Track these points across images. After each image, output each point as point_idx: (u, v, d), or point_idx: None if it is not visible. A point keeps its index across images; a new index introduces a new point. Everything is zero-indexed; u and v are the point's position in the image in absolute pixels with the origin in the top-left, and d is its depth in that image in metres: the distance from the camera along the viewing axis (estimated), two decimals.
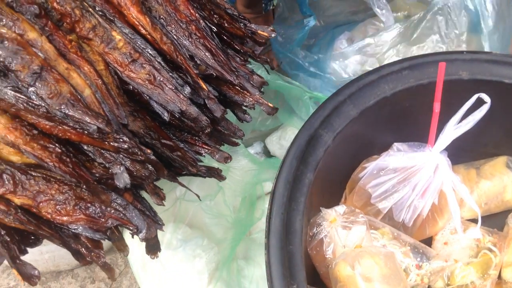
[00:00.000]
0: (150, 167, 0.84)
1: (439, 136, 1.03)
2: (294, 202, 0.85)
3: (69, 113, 0.78)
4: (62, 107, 0.78)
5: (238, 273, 1.50)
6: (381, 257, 0.81)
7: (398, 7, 2.15)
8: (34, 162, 0.82)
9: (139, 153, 0.80)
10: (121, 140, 0.80)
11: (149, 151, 0.82)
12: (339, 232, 0.89)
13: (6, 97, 0.79)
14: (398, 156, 1.05)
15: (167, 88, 0.92)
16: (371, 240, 0.91)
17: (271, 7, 1.65)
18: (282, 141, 1.86)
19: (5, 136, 0.79)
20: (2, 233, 0.79)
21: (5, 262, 0.77)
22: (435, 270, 0.99)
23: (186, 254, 1.41)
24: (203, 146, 0.97)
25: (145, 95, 0.92)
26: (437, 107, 1.00)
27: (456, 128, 1.00)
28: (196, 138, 0.98)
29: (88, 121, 0.78)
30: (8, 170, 0.79)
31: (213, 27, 1.08)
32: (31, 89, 0.79)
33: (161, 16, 1.00)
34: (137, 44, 0.93)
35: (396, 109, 1.05)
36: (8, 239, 0.78)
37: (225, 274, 1.45)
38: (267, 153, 1.89)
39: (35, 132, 0.81)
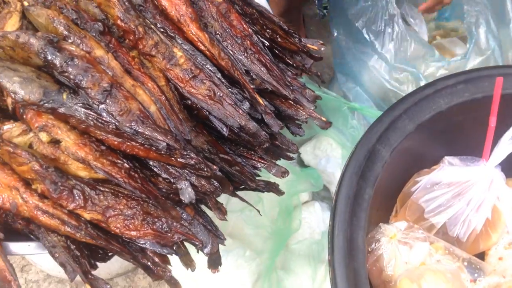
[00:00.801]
0: (215, 182, 0.84)
1: (494, 150, 1.03)
2: (355, 218, 0.86)
3: (139, 130, 0.80)
4: (133, 124, 0.80)
5: (278, 284, 1.50)
6: (448, 275, 0.81)
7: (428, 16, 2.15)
8: (101, 177, 0.84)
9: (205, 169, 0.81)
10: (188, 156, 0.81)
11: (215, 167, 0.83)
12: (400, 249, 0.89)
13: (76, 114, 0.81)
14: (451, 170, 1.05)
15: (226, 103, 0.93)
16: (430, 255, 0.91)
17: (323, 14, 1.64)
18: (316, 151, 1.86)
19: (75, 152, 0.81)
20: (73, 247, 0.80)
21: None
22: (491, 285, 0.99)
23: (228, 265, 1.41)
24: (259, 160, 0.98)
25: (205, 110, 0.93)
26: (493, 121, 0.99)
27: (511, 142, 1.00)
28: (252, 152, 0.99)
29: (158, 138, 0.79)
30: (78, 185, 0.80)
31: (265, 41, 1.09)
32: (101, 106, 0.80)
33: (217, 32, 1.02)
34: (198, 60, 0.94)
35: (450, 123, 1.05)
36: (79, 254, 0.80)
37: (267, 285, 1.45)
38: (300, 162, 1.90)
39: (103, 148, 0.83)
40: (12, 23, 0.93)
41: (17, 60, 0.84)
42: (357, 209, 0.87)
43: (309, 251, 1.59)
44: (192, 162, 0.81)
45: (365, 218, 0.88)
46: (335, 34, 1.84)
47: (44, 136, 0.81)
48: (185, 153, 0.81)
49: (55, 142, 0.83)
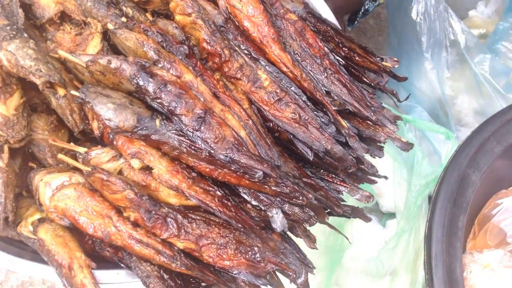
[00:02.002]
0: (310, 211, 0.82)
1: None
2: (452, 248, 0.83)
3: (235, 158, 0.78)
4: (228, 152, 0.78)
5: None
6: None
7: (475, 25, 2.10)
8: (191, 204, 0.82)
9: (300, 197, 0.79)
10: (283, 184, 0.78)
11: (310, 195, 0.80)
12: (494, 279, 0.86)
13: (170, 140, 0.79)
14: None
15: (311, 126, 0.91)
16: None
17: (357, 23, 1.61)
18: None
19: (168, 180, 0.79)
20: (166, 277, 0.78)
21: None
22: None
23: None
24: (342, 184, 0.95)
25: (289, 134, 0.91)
26: None
27: None
28: (333, 175, 0.96)
29: (255, 166, 0.77)
30: (171, 213, 0.79)
31: (340, 60, 1.07)
32: (196, 133, 0.78)
33: (296, 52, 1.00)
34: (282, 83, 0.92)
35: None
36: (173, 284, 0.78)
37: None
38: None
39: (194, 174, 0.81)
40: (94, 45, 0.92)
41: (106, 85, 0.83)
42: (453, 239, 0.84)
43: (366, 268, 1.55)
44: (287, 191, 0.79)
45: (460, 247, 0.85)
46: (391, 35, 1.80)
47: (136, 163, 0.80)
48: (280, 181, 0.78)
49: (146, 169, 0.81)
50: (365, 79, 1.07)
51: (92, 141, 0.92)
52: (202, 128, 0.78)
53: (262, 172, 0.77)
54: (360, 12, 1.52)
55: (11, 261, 0.84)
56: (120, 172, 0.83)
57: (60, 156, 0.80)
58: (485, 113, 1.82)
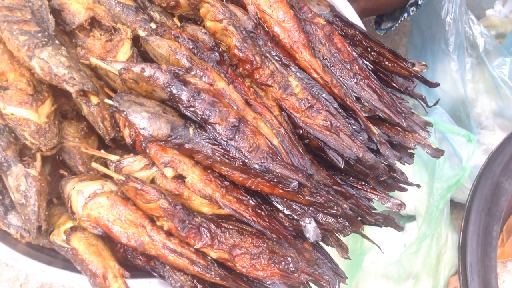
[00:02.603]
0: (344, 221, 0.81)
1: None
2: (487, 259, 0.81)
3: (270, 168, 0.77)
4: (262, 161, 0.77)
5: None
6: None
7: (492, 24, 2.07)
8: (224, 213, 0.81)
9: (335, 207, 0.78)
10: (318, 194, 0.78)
11: (345, 205, 0.79)
12: None
13: (203, 149, 0.78)
14: None
15: (343, 134, 0.90)
16: None
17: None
18: None
19: (202, 189, 0.78)
20: (200, 287, 0.78)
21: None
22: None
23: None
24: (372, 191, 0.94)
25: (320, 141, 0.90)
26: None
27: None
28: (363, 183, 0.95)
29: (290, 176, 0.76)
30: (204, 223, 0.78)
31: (369, 64, 1.05)
32: (230, 142, 0.78)
33: (325, 57, 0.98)
34: (313, 90, 0.91)
35: None
36: None
37: None
38: None
39: (226, 183, 0.80)
40: (124, 51, 0.91)
41: (139, 93, 0.83)
42: (488, 248, 0.83)
43: (387, 272, 1.55)
44: (322, 200, 0.78)
45: (495, 257, 0.83)
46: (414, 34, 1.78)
47: (169, 172, 0.79)
48: (314, 191, 0.78)
49: (179, 178, 0.81)
50: (394, 84, 1.05)
51: (122, 148, 0.92)
52: (236, 137, 0.78)
53: (297, 182, 0.76)
54: (407, 13, 1.48)
55: (43, 270, 0.84)
56: (152, 181, 0.82)
57: (94, 164, 0.80)
58: (503, 115, 1.80)
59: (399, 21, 1.49)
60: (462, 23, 1.66)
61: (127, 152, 0.92)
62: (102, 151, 0.88)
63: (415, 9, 1.42)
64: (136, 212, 0.79)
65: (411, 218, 1.84)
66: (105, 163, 0.88)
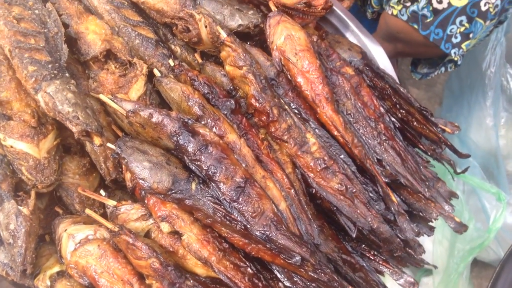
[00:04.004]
0: None
1: None
2: None
3: (272, 237, 0.71)
4: (265, 229, 0.71)
5: None
6: None
7: None
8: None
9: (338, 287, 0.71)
10: (321, 271, 0.71)
11: (350, 287, 0.72)
12: None
13: (204, 208, 0.73)
14: None
15: (358, 201, 0.83)
16: None
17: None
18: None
19: (198, 250, 0.73)
20: None
21: None
22: None
23: None
24: (384, 264, 0.87)
25: (332, 206, 0.83)
26: None
27: None
28: (376, 253, 0.87)
29: (292, 249, 0.70)
30: (195, 287, 0.72)
31: (395, 121, 0.98)
32: (233, 204, 0.72)
33: (349, 112, 0.92)
34: (331, 149, 0.84)
35: None
36: None
37: None
38: None
39: (225, 246, 0.75)
40: (137, 88, 0.87)
41: (144, 138, 0.78)
42: None
43: None
44: (325, 279, 0.71)
45: None
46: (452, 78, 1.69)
47: (165, 227, 0.74)
48: (318, 268, 0.71)
49: (175, 233, 0.75)
50: (421, 146, 0.98)
51: (122, 189, 0.87)
52: (240, 199, 0.72)
53: (300, 257, 0.69)
54: (445, 68, 1.39)
55: None
56: (148, 233, 0.77)
57: (88, 211, 0.75)
58: None
59: (436, 73, 1.41)
60: (500, 75, 1.57)
61: (126, 194, 0.87)
62: (102, 191, 0.83)
63: (453, 67, 1.33)
64: (126, 267, 0.74)
65: (428, 271, 1.74)
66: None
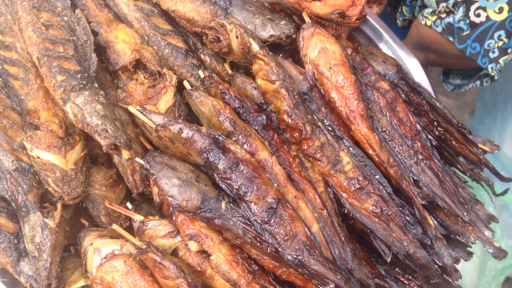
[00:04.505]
0: None
1: None
2: None
3: (305, 262, 0.68)
4: (298, 253, 0.68)
5: None
6: None
7: None
8: None
9: None
10: None
11: None
12: None
13: (234, 228, 0.70)
14: None
15: (394, 224, 0.79)
16: None
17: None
18: None
19: (226, 272, 0.70)
20: None
21: None
22: None
23: None
24: None
25: (366, 228, 0.79)
26: None
27: None
28: (410, 277, 0.83)
29: (326, 275, 0.67)
30: None
31: (432, 139, 0.94)
32: (265, 226, 0.69)
33: (384, 129, 0.88)
34: (366, 169, 0.81)
35: None
36: None
37: None
38: None
39: (255, 267, 0.72)
40: (166, 100, 0.84)
41: (173, 153, 0.75)
42: None
43: None
44: None
45: None
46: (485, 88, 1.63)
47: (193, 246, 0.71)
48: None
49: (203, 252, 0.73)
50: (459, 166, 0.93)
51: (149, 201, 0.85)
52: (272, 221, 0.69)
53: (334, 284, 0.66)
54: (480, 82, 1.34)
55: None
56: (175, 250, 0.75)
57: (115, 227, 0.73)
58: None
59: (471, 86, 1.35)
60: None
61: (153, 208, 0.85)
62: (128, 204, 0.81)
63: (489, 82, 1.28)
64: (152, 286, 0.71)
65: None
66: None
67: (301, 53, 0.88)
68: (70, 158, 0.77)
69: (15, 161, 0.78)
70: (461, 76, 1.50)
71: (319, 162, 0.79)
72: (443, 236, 0.85)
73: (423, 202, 0.83)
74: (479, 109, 1.83)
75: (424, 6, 1.38)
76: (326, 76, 0.84)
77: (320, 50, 0.86)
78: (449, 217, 0.90)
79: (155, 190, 0.77)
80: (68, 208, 0.82)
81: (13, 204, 0.78)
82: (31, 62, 0.83)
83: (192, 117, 0.87)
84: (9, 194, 0.78)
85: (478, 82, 1.35)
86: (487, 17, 1.13)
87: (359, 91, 0.84)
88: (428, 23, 1.28)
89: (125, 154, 0.75)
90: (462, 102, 2.42)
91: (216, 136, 0.72)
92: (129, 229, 0.83)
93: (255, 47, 0.82)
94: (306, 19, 0.91)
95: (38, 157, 0.76)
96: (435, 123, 0.94)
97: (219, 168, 0.71)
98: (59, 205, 0.76)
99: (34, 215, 0.75)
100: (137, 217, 0.77)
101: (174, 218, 0.73)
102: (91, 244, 0.76)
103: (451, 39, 1.21)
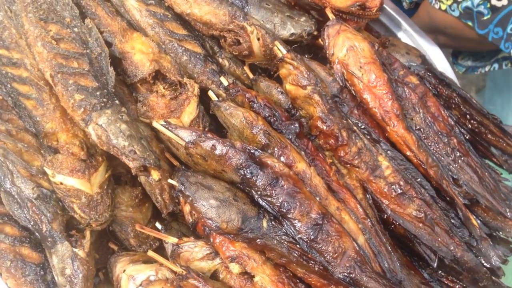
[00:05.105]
0: None
1: None
2: None
3: (357, 279, 0.64)
4: (349, 271, 0.64)
5: None
6: None
7: None
8: None
9: None
10: None
11: None
12: None
13: (278, 247, 0.66)
14: None
15: (439, 228, 0.76)
16: None
17: None
18: None
19: None
20: None
21: None
22: None
23: None
24: None
25: (410, 233, 0.76)
26: None
27: None
28: (454, 279, 0.80)
29: None
30: None
31: (465, 133, 0.90)
32: (312, 244, 0.65)
33: (418, 127, 0.84)
34: (407, 173, 0.77)
35: None
36: None
37: None
38: None
39: (301, 286, 0.68)
40: (190, 111, 0.80)
41: (205, 170, 0.71)
42: None
43: None
44: None
45: None
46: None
47: (235, 268, 0.68)
48: None
49: (246, 273, 0.69)
50: (495, 159, 0.90)
51: (179, 220, 0.81)
52: (318, 237, 0.65)
53: None
54: (499, 65, 1.30)
55: None
56: (215, 273, 0.71)
57: (151, 253, 0.69)
58: None
59: (487, 69, 1.31)
60: None
61: (183, 226, 0.81)
62: (158, 224, 0.77)
63: (509, 64, 1.24)
64: None
65: None
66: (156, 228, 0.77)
67: (328, 52, 0.84)
68: (94, 181, 0.73)
69: (36, 188, 0.73)
70: (472, 57, 1.46)
71: (357, 169, 0.75)
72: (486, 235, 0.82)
73: (464, 202, 0.79)
74: (489, 88, 1.79)
75: None
76: (357, 76, 0.80)
77: (348, 48, 0.81)
78: (487, 213, 0.86)
79: (186, 208, 0.73)
80: (93, 232, 0.78)
81: (36, 233, 0.73)
82: (43, 79, 0.78)
83: (217, 127, 0.83)
84: (31, 223, 0.73)
85: (496, 65, 1.31)
86: (510, 1, 1.08)
87: (392, 90, 0.80)
88: (443, 7, 1.23)
89: (155, 174, 0.70)
90: (467, 80, 2.38)
91: (252, 151, 0.67)
92: (159, 249, 0.79)
93: (282, 51, 0.77)
94: (330, 16, 0.86)
95: (61, 183, 0.71)
96: (467, 116, 0.90)
97: (258, 185, 0.67)
98: (87, 233, 0.72)
99: (61, 246, 0.71)
100: (171, 240, 0.72)
101: (211, 239, 0.69)
102: (124, 271, 0.72)
103: (470, 23, 1.16)
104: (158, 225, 0.78)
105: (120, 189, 0.79)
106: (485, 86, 1.82)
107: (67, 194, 0.71)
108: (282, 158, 0.70)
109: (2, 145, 0.75)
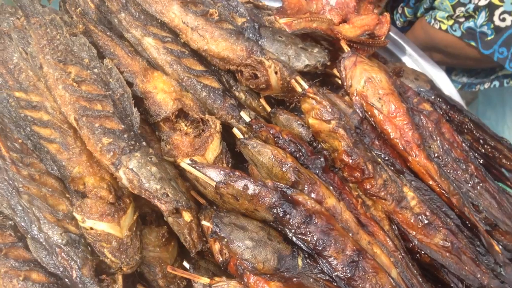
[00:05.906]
0: None
1: None
2: None
3: None
4: None
5: None
6: None
7: None
8: None
9: None
10: None
11: None
12: None
13: (315, 286, 0.66)
14: None
15: (465, 257, 0.77)
16: None
17: None
18: None
19: None
20: None
21: None
22: None
23: None
24: None
25: (437, 263, 0.77)
26: None
27: None
28: None
29: None
30: None
31: (478, 157, 0.92)
32: (349, 281, 0.65)
33: (436, 154, 0.86)
34: (431, 203, 0.78)
35: None
36: None
37: None
38: None
39: None
40: (213, 148, 0.80)
41: (234, 208, 0.71)
42: None
43: None
44: None
45: None
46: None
47: None
48: None
49: None
50: (509, 183, 0.92)
51: (205, 257, 0.81)
52: (356, 275, 0.65)
53: None
54: (499, 82, 1.33)
55: None
56: None
57: None
58: None
59: (487, 86, 1.35)
60: None
61: (211, 264, 0.81)
62: (186, 263, 0.77)
63: (511, 82, 1.27)
64: None
65: None
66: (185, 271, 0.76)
67: (345, 84, 0.85)
68: (124, 224, 0.72)
69: (64, 233, 0.72)
70: (466, 74, 1.49)
71: (383, 201, 0.76)
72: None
73: (486, 228, 0.81)
74: (481, 103, 1.83)
75: (432, 8, 1.36)
76: (376, 107, 0.81)
77: (366, 80, 0.83)
78: (504, 236, 0.88)
79: (216, 247, 0.73)
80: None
81: (66, 280, 0.72)
82: (66, 122, 0.77)
83: (236, 162, 0.83)
84: (61, 270, 0.72)
85: (496, 83, 1.34)
86: None
87: (411, 120, 0.81)
88: (444, 27, 1.26)
89: (187, 216, 0.70)
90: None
91: (284, 189, 0.68)
92: None
93: (304, 85, 0.78)
94: (345, 47, 0.88)
95: (91, 228, 0.70)
96: (480, 141, 0.92)
97: (292, 223, 0.67)
98: (119, 278, 0.71)
99: None
100: (204, 280, 0.72)
101: (245, 279, 0.69)
102: None
103: (473, 43, 1.19)
104: (186, 264, 0.77)
105: (147, 229, 0.78)
106: (474, 99, 1.85)
107: (97, 238, 0.71)
108: (312, 195, 0.71)
109: (27, 190, 0.74)
